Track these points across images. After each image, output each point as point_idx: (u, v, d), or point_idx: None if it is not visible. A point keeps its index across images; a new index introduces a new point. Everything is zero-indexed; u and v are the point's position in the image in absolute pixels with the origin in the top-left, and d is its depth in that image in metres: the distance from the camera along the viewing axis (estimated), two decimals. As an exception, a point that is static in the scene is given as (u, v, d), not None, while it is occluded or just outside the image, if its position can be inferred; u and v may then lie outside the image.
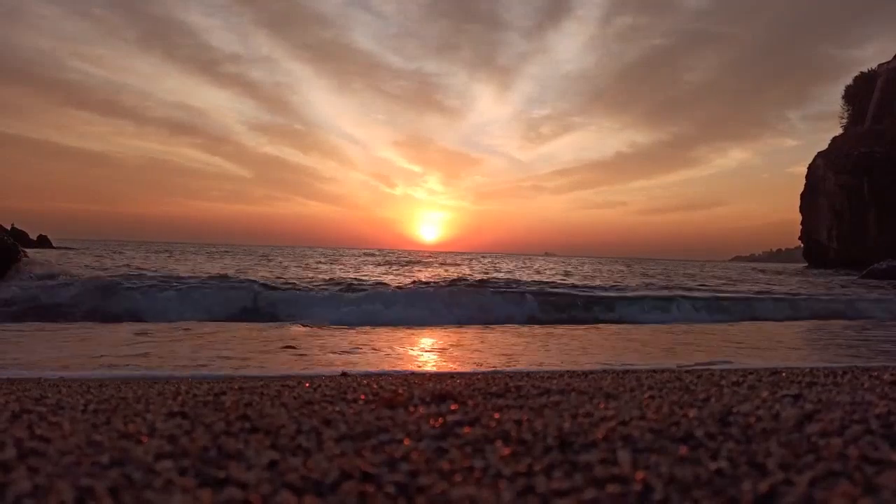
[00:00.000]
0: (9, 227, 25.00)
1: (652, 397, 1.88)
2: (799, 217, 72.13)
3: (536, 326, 10.28)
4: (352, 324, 9.46)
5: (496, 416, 1.56)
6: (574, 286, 15.91)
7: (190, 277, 13.17)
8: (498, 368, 5.48)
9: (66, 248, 42.44)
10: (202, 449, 1.23)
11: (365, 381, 3.02)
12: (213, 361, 5.75)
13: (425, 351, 7.09)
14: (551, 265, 38.39)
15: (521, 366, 5.70)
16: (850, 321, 11.82)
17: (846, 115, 75.25)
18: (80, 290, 10.73)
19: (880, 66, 70.55)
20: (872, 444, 1.20)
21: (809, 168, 71.24)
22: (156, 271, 15.44)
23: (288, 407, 1.77)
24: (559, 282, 17.69)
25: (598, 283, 18.41)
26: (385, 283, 14.69)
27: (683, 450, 1.20)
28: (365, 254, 57.18)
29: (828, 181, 64.18)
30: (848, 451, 1.15)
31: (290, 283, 13.67)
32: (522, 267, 32.55)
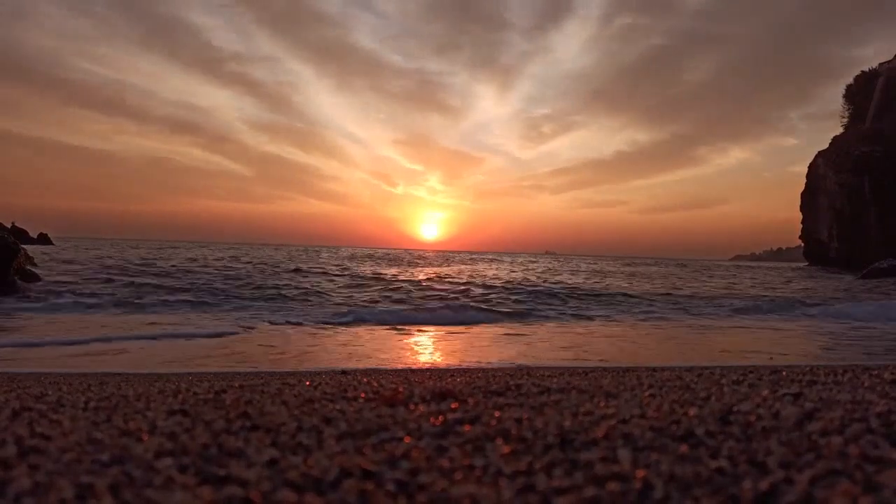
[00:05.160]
0: (9, 225, 24.98)
1: (652, 395, 1.88)
2: (799, 216, 72.09)
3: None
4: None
5: (496, 414, 1.56)
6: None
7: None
8: (497, 366, 5.48)
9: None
10: (202, 447, 1.23)
11: (365, 380, 3.02)
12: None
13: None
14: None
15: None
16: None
17: (847, 114, 75.17)
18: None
19: (881, 65, 70.44)
20: (873, 443, 1.20)
21: (810, 167, 71.18)
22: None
23: (288, 405, 1.77)
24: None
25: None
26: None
27: (684, 448, 1.20)
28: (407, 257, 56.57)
29: (828, 180, 64.14)
30: (848, 450, 1.15)
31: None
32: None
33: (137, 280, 16.94)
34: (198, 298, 14.15)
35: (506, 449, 1.21)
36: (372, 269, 28.63)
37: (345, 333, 9.66)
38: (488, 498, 0.94)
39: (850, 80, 77.19)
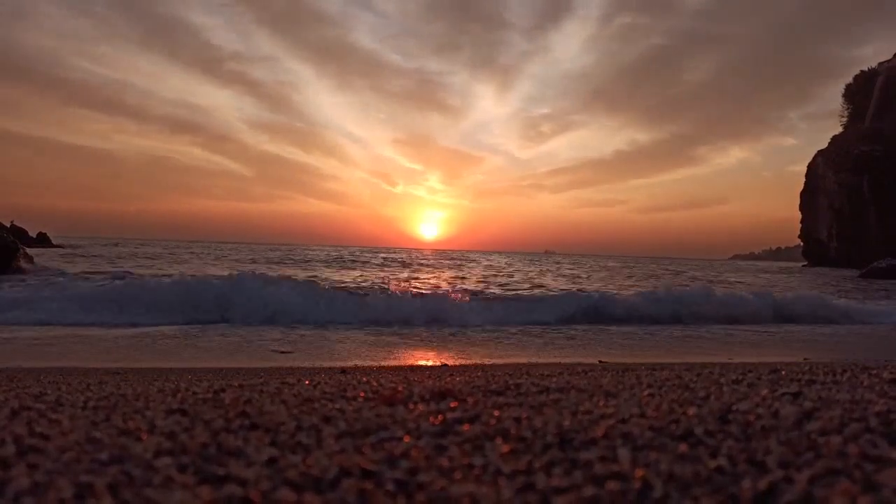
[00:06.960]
0: (8, 225, 25.00)
1: (651, 395, 1.88)
2: (799, 215, 72.13)
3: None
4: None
5: (496, 413, 1.56)
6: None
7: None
8: (497, 364, 5.48)
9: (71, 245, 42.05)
10: (202, 446, 1.23)
11: (364, 379, 3.01)
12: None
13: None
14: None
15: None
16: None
17: (846, 113, 75.21)
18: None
19: (880, 64, 70.44)
20: (872, 442, 1.20)
21: (809, 167, 71.20)
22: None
23: (287, 404, 1.77)
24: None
25: None
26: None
27: (683, 447, 1.20)
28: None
29: (827, 180, 64.16)
30: (847, 449, 1.15)
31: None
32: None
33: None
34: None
35: (505, 448, 1.21)
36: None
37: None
38: (488, 497, 0.94)
39: (849, 79, 77.19)
